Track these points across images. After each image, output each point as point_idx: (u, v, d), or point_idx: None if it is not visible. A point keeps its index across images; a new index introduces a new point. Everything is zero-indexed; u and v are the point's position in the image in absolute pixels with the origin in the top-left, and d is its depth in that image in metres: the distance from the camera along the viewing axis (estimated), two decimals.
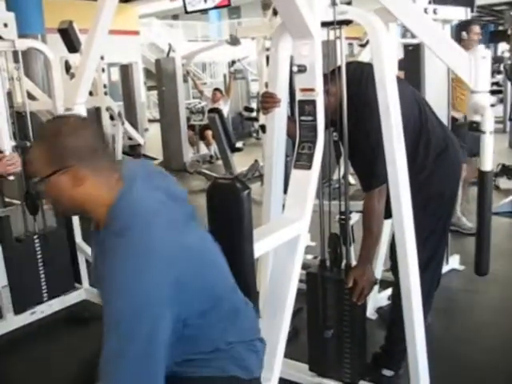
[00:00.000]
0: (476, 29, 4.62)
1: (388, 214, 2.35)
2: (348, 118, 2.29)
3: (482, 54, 1.79)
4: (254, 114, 10.68)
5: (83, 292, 3.86)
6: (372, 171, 2.36)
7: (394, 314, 2.70)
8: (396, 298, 2.62)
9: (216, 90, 9.72)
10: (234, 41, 7.09)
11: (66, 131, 1.43)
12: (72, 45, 3.86)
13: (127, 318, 1.31)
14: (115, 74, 12.80)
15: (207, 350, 1.55)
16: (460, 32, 4.58)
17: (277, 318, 2.02)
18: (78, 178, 1.42)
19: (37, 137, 1.51)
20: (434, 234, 2.57)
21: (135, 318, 1.31)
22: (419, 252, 2.30)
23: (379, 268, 3.47)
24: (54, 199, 1.48)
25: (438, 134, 2.56)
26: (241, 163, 7.80)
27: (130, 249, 1.35)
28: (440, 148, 2.54)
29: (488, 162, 1.02)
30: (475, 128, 1.64)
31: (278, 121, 2.37)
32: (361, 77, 2.37)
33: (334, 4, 2.11)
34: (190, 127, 9.73)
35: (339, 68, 2.27)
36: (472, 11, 3.84)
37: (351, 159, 2.41)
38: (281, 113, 2.37)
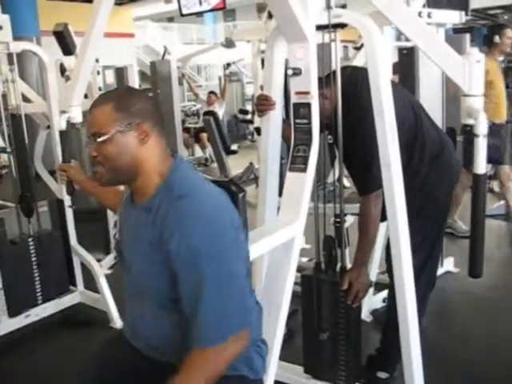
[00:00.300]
0: (509, 32, 4.65)
1: (383, 217, 2.36)
2: (343, 121, 2.29)
3: (475, 57, 1.80)
4: (248, 117, 10.69)
5: (78, 295, 3.86)
6: (368, 176, 2.36)
7: (389, 317, 2.71)
8: (391, 300, 2.64)
9: (211, 93, 9.73)
10: (229, 44, 7.09)
11: (135, 94, 1.53)
12: (67, 47, 3.85)
13: (223, 261, 1.41)
14: (110, 77, 12.78)
15: None
16: (492, 36, 4.60)
17: (272, 319, 2.02)
18: (145, 135, 1.48)
19: (102, 99, 1.51)
20: (428, 238, 2.58)
21: (230, 260, 1.43)
22: (414, 255, 2.31)
23: (374, 271, 3.48)
24: (111, 160, 1.48)
25: (434, 137, 2.57)
26: (236, 166, 7.81)
27: (196, 207, 1.42)
28: (435, 151, 2.55)
29: (482, 165, 1.03)
30: (468, 131, 1.65)
31: (273, 123, 2.37)
32: (356, 81, 2.38)
33: (328, 7, 2.11)
34: (185, 130, 9.72)
35: (334, 72, 2.28)
36: (466, 15, 3.85)
37: (346, 163, 2.42)
38: (276, 115, 2.38)
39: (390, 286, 2.55)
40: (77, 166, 2.27)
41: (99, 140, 1.46)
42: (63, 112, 3.45)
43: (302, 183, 2.08)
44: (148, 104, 1.52)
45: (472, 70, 1.80)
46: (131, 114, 1.47)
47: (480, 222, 1.10)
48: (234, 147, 7.39)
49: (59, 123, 3.05)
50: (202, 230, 1.39)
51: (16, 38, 3.42)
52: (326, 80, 2.26)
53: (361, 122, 2.30)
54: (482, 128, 1.43)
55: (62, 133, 3.14)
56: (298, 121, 2.14)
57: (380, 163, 2.19)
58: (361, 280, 2.40)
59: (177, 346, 1.54)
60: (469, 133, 1.57)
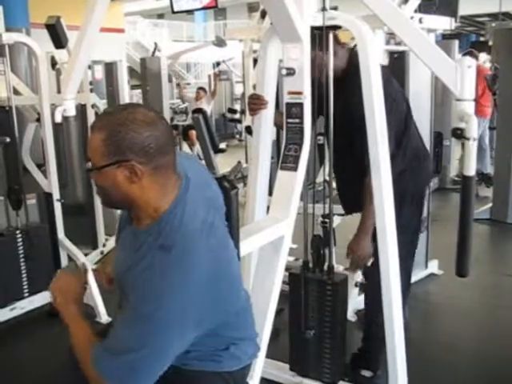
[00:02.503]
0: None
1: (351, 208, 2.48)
2: (352, 94, 2.29)
3: (467, 63, 1.84)
4: (237, 116, 10.70)
5: None
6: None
7: (368, 316, 2.77)
8: (369, 300, 2.70)
9: (200, 88, 9.75)
10: (219, 42, 7.12)
11: (131, 123, 1.34)
12: (59, 41, 3.84)
13: (149, 327, 1.34)
14: (99, 72, 12.73)
15: (221, 347, 1.59)
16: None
17: (260, 317, 2.04)
18: (135, 175, 1.36)
19: (98, 124, 1.38)
20: (404, 234, 2.62)
21: (157, 329, 1.34)
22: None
23: (358, 272, 3.51)
24: (104, 190, 1.43)
25: (417, 137, 2.69)
26: (224, 164, 7.81)
27: (171, 268, 1.34)
28: (416, 150, 2.64)
29: (472, 168, 1.06)
30: (459, 135, 1.69)
31: (264, 122, 2.39)
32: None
33: (323, 9, 2.14)
34: (174, 127, 9.72)
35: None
36: (455, 21, 3.91)
37: (352, 145, 2.43)
38: (267, 115, 2.39)
39: (367, 288, 2.61)
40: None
41: (93, 169, 1.39)
42: (53, 105, 3.45)
43: (293, 182, 2.10)
44: (146, 139, 1.34)
45: (464, 75, 1.84)
46: (121, 150, 1.34)
47: (468, 222, 1.13)
48: (222, 146, 7.40)
49: (56, 116, 3.04)
50: (164, 294, 1.33)
51: (5, 29, 3.40)
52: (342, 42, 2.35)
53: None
54: (472, 131, 1.46)
55: (56, 126, 3.13)
56: (289, 120, 2.17)
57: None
58: (361, 247, 2.45)
59: None
60: (460, 136, 1.60)
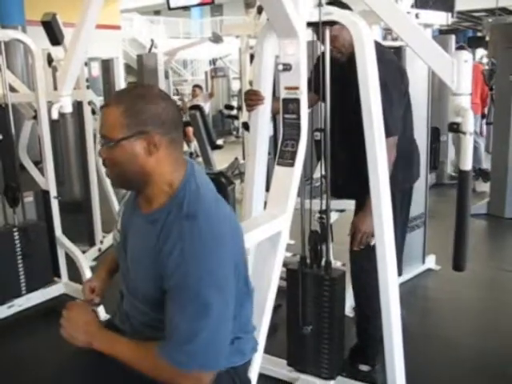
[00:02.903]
0: None
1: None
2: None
3: (464, 57, 1.84)
4: (234, 112, 10.70)
5: (62, 286, 3.85)
6: (388, 120, 2.32)
7: (362, 311, 2.77)
8: (362, 296, 2.72)
9: (195, 86, 9.74)
10: (216, 38, 7.11)
11: (150, 97, 1.42)
12: (55, 38, 3.83)
13: (205, 296, 1.36)
14: (96, 69, 12.71)
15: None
16: None
17: (258, 313, 2.04)
18: (153, 146, 1.40)
19: (115, 98, 1.43)
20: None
21: (213, 295, 1.37)
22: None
23: None
24: (119, 167, 1.44)
25: (410, 129, 2.72)
26: (221, 161, 7.81)
27: (202, 232, 1.38)
28: (408, 143, 2.68)
29: (468, 162, 1.06)
30: (455, 129, 1.69)
31: (261, 118, 2.39)
32: (382, 47, 2.53)
33: (319, 5, 2.14)
34: None
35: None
36: (452, 17, 3.91)
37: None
38: (264, 110, 2.39)
39: (353, 273, 2.71)
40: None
41: (108, 145, 1.41)
42: (50, 102, 3.44)
43: (290, 177, 2.10)
44: (163, 111, 1.42)
45: (460, 69, 1.85)
46: (141, 121, 1.39)
47: (465, 216, 1.13)
48: (219, 142, 7.40)
49: (52, 113, 3.03)
50: (202, 259, 1.36)
51: (1, 26, 3.39)
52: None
53: (382, 71, 2.27)
54: (469, 126, 1.47)
55: (53, 123, 3.12)
56: (286, 116, 2.17)
57: (398, 115, 2.33)
58: (367, 223, 2.45)
59: None
60: (456, 130, 1.61)
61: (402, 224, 2.79)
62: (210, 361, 1.40)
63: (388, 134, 2.35)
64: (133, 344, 1.47)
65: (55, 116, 3.03)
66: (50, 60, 4.68)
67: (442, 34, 9.93)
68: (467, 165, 1.10)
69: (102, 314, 3.48)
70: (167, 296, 1.41)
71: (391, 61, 2.57)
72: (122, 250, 1.60)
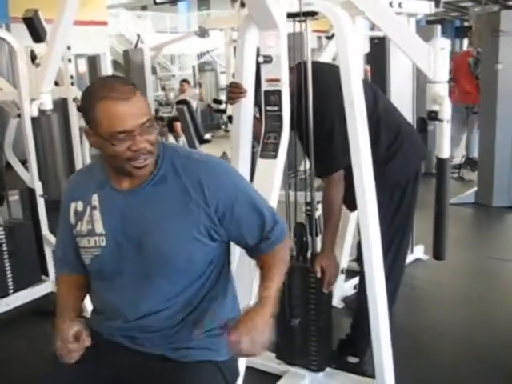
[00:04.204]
0: None
1: (354, 206, 2.39)
2: (305, 105, 2.31)
3: (440, 45, 1.83)
4: (222, 106, 10.67)
5: (50, 284, 3.82)
6: (328, 156, 2.39)
7: (359, 303, 2.76)
8: (362, 287, 2.68)
9: (183, 81, 9.71)
10: (202, 32, 7.06)
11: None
12: (37, 34, 3.78)
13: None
14: (83, 66, 12.61)
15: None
16: None
17: (243, 306, 2.03)
18: (156, 123, 1.52)
19: (129, 88, 1.46)
20: (393, 224, 2.62)
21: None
22: (385, 243, 2.37)
23: (345, 258, 3.52)
24: (154, 146, 1.50)
25: (390, 123, 2.62)
26: None
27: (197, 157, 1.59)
28: (391, 139, 2.59)
29: (446, 150, 1.06)
30: (434, 117, 1.69)
31: (244, 111, 2.38)
32: (321, 66, 2.42)
33: None
34: (159, 119, 9.67)
35: (299, 64, 2.31)
36: (437, 6, 3.90)
37: (307, 146, 2.43)
38: (247, 103, 2.38)
39: (361, 274, 2.59)
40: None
41: (152, 128, 1.47)
42: (33, 100, 3.41)
43: (273, 170, 2.10)
44: None
45: (437, 57, 1.84)
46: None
47: (444, 205, 1.13)
48: (207, 136, 7.39)
49: (31, 110, 3.00)
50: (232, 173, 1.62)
51: None
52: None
53: (321, 103, 2.33)
54: (445, 113, 1.47)
55: (34, 120, 3.09)
56: (268, 108, 2.16)
57: (342, 145, 2.25)
58: (332, 265, 2.44)
59: (168, 333, 1.57)
60: (435, 118, 1.60)
61: (401, 222, 2.68)
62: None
63: (331, 171, 2.41)
64: (269, 278, 1.59)
65: (35, 113, 3.01)
66: (33, 57, 4.63)
67: (429, 24, 9.94)
68: (445, 153, 1.09)
69: None
70: (231, 217, 1.54)
71: (327, 85, 2.41)
72: (118, 248, 1.55)
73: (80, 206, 1.62)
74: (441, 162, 1.07)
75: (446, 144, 1.09)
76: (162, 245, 1.50)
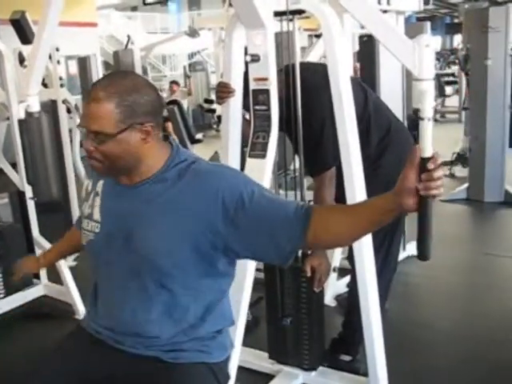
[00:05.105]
0: None
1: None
2: (294, 105, 2.31)
3: (425, 42, 1.83)
4: (213, 106, 10.66)
5: (42, 288, 3.81)
6: (319, 155, 2.40)
7: (351, 301, 2.76)
8: (353, 285, 2.68)
9: (172, 82, 9.71)
10: (192, 32, 7.06)
11: (141, 87, 1.45)
12: (25, 36, 3.76)
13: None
14: (73, 67, 12.58)
15: (209, 335, 1.59)
16: None
17: (235, 306, 2.03)
18: (148, 135, 1.45)
19: (104, 93, 1.40)
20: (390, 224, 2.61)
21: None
22: (377, 242, 2.37)
23: (337, 256, 3.52)
24: (112, 159, 1.45)
25: (381, 121, 2.63)
26: (201, 155, 7.75)
27: (208, 163, 1.55)
28: (382, 135, 2.61)
29: (428, 149, 1.05)
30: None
31: (233, 110, 2.37)
32: (309, 66, 2.42)
33: None
34: None
35: (288, 65, 2.31)
36: (427, 3, 3.91)
37: (297, 147, 2.43)
38: (235, 103, 2.37)
39: (352, 272, 2.59)
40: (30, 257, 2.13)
41: (100, 140, 1.41)
42: (22, 102, 3.39)
43: (262, 169, 2.10)
44: (152, 98, 1.46)
45: (422, 54, 1.83)
46: (134, 113, 1.41)
47: (427, 205, 1.13)
48: (198, 136, 7.37)
49: (17, 113, 2.98)
50: (238, 175, 1.54)
51: None
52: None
53: (309, 103, 2.33)
54: (426, 111, 1.47)
55: (20, 122, 3.06)
56: (257, 107, 2.15)
57: (332, 144, 2.26)
58: (323, 265, 2.44)
59: (156, 333, 1.55)
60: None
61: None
62: None
63: (322, 169, 2.41)
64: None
65: (21, 115, 2.98)
66: (21, 59, 4.61)
67: (419, 21, 9.96)
68: (428, 152, 1.09)
69: (83, 314, 3.47)
70: (251, 227, 1.42)
71: (316, 84, 2.40)
72: (108, 237, 1.55)
73: (89, 186, 1.65)
74: (424, 162, 1.06)
75: (427, 143, 1.08)
76: (147, 242, 1.48)
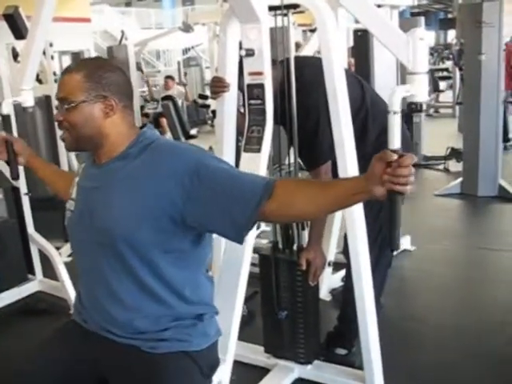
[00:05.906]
0: None
1: None
2: (289, 99, 2.32)
3: (419, 35, 1.83)
4: (208, 102, 10.63)
5: (37, 283, 3.80)
6: (315, 149, 2.41)
7: (346, 295, 2.77)
8: (348, 279, 2.69)
9: (168, 77, 9.68)
10: (186, 27, 7.05)
11: (108, 66, 1.58)
12: (18, 31, 3.75)
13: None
14: (67, 62, 12.53)
15: (188, 321, 1.59)
16: None
17: (230, 300, 2.04)
18: (110, 109, 1.54)
19: (76, 66, 1.57)
20: (380, 215, 2.61)
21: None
22: (372, 237, 2.37)
23: (333, 250, 3.53)
24: (77, 129, 1.53)
25: (377, 115, 2.61)
26: None
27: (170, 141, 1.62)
28: (378, 131, 2.60)
29: (395, 142, 1.05)
30: (415, 109, 1.69)
31: (227, 105, 2.37)
32: (305, 59, 2.42)
33: None
34: (145, 115, 9.63)
35: (285, 59, 2.31)
36: None
37: (293, 140, 2.44)
38: (230, 97, 2.38)
39: (347, 266, 2.60)
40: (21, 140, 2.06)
41: (65, 106, 1.51)
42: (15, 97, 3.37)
43: (257, 164, 2.10)
44: (119, 78, 1.56)
45: (416, 48, 1.84)
46: (100, 85, 1.52)
47: (393, 198, 1.15)
48: (193, 132, 7.37)
49: (2, 107, 2.94)
50: (198, 151, 1.55)
51: None
52: (272, 61, 2.28)
53: (305, 96, 2.34)
54: (394, 105, 1.47)
55: (4, 118, 3.00)
56: (251, 101, 2.16)
57: (329, 137, 2.25)
58: (318, 258, 2.44)
59: (140, 320, 1.55)
60: (416, 110, 1.60)
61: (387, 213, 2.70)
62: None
63: (318, 163, 2.42)
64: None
65: (5, 111, 2.94)
66: (15, 54, 4.60)
67: (413, 17, 9.96)
68: (396, 144, 1.09)
69: None
70: (214, 199, 1.44)
71: (312, 78, 2.38)
72: (79, 215, 1.60)
73: (80, 169, 1.74)
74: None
75: (395, 136, 1.08)
76: (106, 217, 1.51)
